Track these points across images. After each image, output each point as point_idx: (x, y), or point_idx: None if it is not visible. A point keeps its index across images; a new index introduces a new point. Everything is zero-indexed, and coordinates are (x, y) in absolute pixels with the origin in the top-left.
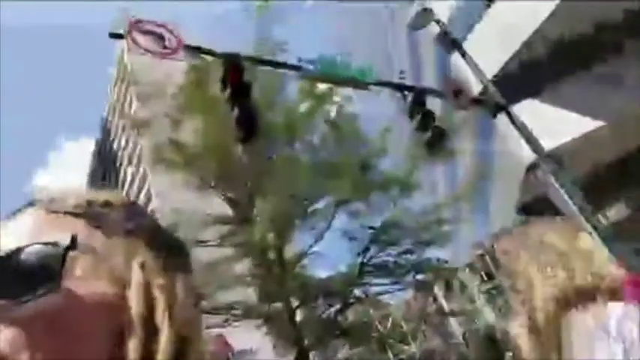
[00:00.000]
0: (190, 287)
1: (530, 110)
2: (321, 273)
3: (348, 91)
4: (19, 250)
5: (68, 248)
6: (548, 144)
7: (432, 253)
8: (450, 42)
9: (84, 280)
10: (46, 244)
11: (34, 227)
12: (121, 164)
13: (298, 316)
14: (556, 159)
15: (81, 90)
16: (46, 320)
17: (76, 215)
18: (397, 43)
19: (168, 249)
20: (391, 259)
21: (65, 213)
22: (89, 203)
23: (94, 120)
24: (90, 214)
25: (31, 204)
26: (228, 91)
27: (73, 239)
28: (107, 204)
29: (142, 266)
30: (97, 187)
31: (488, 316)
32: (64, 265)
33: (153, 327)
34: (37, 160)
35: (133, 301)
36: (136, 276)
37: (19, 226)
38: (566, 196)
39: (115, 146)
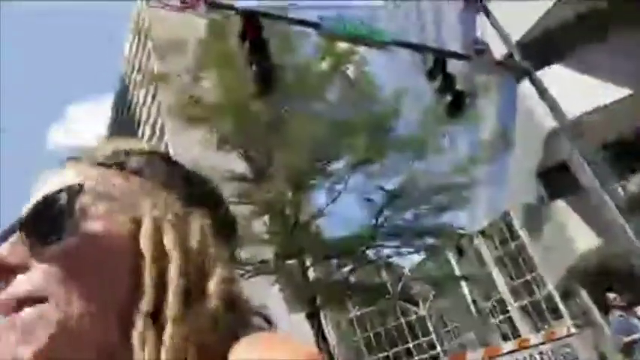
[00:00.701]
0: (209, 228)
1: (554, 77)
2: (336, 233)
3: (367, 50)
4: (44, 198)
5: (78, 192)
6: (571, 111)
7: (448, 217)
8: (476, 4)
9: (100, 222)
10: (63, 190)
11: (63, 176)
12: (139, 120)
13: (311, 274)
14: (578, 127)
15: (100, 45)
16: (67, 259)
17: (100, 164)
18: (422, 4)
19: (193, 192)
20: (405, 222)
21: (92, 162)
22: (116, 152)
23: (112, 75)
24: (114, 162)
25: (72, 158)
26: (246, 46)
27: (80, 184)
28: (130, 152)
29: (154, 205)
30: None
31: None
32: (74, 207)
33: (165, 261)
34: (54, 116)
35: (143, 236)
36: (147, 212)
37: (54, 177)
38: (585, 166)
39: (132, 102)
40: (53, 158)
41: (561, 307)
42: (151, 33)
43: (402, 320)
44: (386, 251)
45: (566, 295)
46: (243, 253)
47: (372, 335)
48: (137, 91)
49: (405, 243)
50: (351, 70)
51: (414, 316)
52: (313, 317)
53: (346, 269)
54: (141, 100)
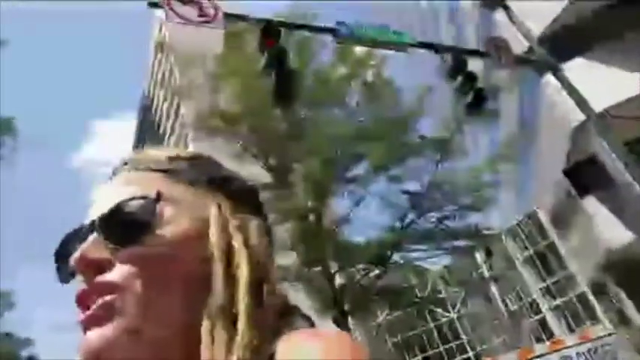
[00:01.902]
0: (262, 230)
1: (579, 69)
2: (360, 238)
3: (386, 53)
4: (119, 204)
5: (156, 200)
6: (597, 105)
7: (474, 218)
8: (495, 0)
9: (170, 224)
10: (138, 198)
11: (127, 184)
12: (163, 134)
13: (337, 281)
14: (606, 120)
15: (123, 63)
16: (145, 260)
17: (156, 171)
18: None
19: (241, 194)
20: (431, 224)
21: (148, 169)
22: (169, 159)
23: (136, 93)
24: (168, 168)
25: (123, 164)
26: (265, 56)
27: (159, 193)
28: (180, 158)
29: (219, 207)
30: None
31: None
32: (154, 214)
33: (232, 263)
34: (83, 134)
35: (213, 236)
36: (214, 215)
37: (116, 185)
38: (616, 160)
39: (157, 117)
40: (79, 174)
41: (595, 305)
42: (171, 47)
43: (432, 324)
44: (412, 255)
45: (600, 293)
46: None
47: (401, 340)
48: (161, 104)
49: (431, 246)
50: (370, 74)
51: (443, 320)
52: (340, 323)
53: (372, 274)
54: (165, 114)
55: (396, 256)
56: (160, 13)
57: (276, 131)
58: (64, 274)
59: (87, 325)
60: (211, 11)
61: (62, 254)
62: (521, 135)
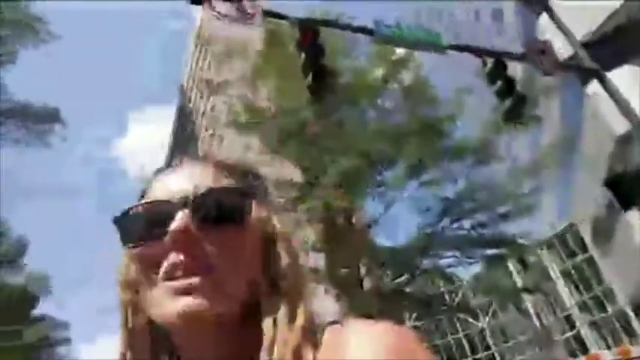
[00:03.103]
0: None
1: (626, 77)
2: (391, 242)
3: (425, 55)
4: (217, 190)
5: (250, 195)
6: None
7: (510, 226)
8: (538, 3)
9: (252, 218)
10: (235, 189)
11: (210, 174)
12: (199, 128)
13: (366, 284)
14: None
15: (161, 57)
16: (233, 240)
17: (227, 170)
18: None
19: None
20: (463, 231)
21: (218, 167)
22: (238, 163)
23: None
24: (238, 171)
25: (189, 158)
26: (303, 54)
27: (254, 187)
28: (247, 168)
29: (276, 211)
30: (180, 152)
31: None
32: (247, 207)
33: (292, 254)
34: (119, 127)
35: (280, 238)
36: (274, 217)
37: (195, 172)
38: None
39: (193, 110)
40: (116, 167)
41: (635, 323)
42: (210, 43)
43: (461, 333)
44: (443, 261)
45: None
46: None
47: (429, 348)
48: (198, 100)
49: (463, 253)
50: (407, 75)
51: (473, 329)
52: None
53: (402, 279)
54: (201, 109)
55: (426, 262)
56: (200, 9)
57: (310, 130)
58: (132, 237)
59: (185, 291)
60: (251, 9)
61: (136, 221)
62: (563, 143)
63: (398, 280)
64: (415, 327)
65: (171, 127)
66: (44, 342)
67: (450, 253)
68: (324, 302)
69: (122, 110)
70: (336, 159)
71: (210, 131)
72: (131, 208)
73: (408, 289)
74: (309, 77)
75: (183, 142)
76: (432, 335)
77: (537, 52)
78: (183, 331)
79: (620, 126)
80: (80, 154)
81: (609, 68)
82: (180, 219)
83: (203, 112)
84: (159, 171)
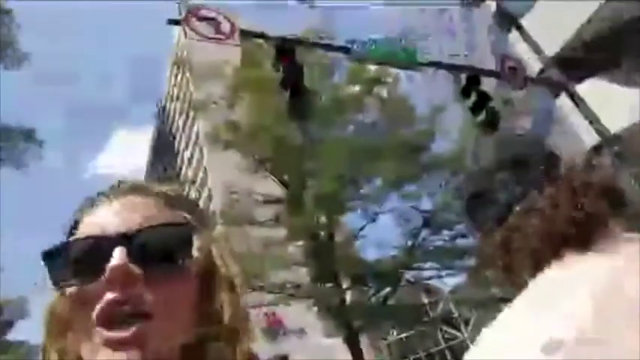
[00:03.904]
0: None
1: (594, 90)
2: (372, 255)
3: (400, 72)
4: (157, 226)
5: (193, 229)
6: (612, 126)
7: None
8: (508, 19)
9: (196, 254)
10: (177, 224)
11: (152, 207)
12: (179, 148)
13: (348, 298)
14: (621, 142)
15: (140, 76)
16: (175, 284)
17: (163, 200)
18: (453, 22)
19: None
20: (443, 242)
21: (154, 196)
22: (168, 191)
23: (152, 107)
24: (172, 199)
25: (125, 188)
26: (280, 73)
27: (193, 224)
28: (174, 192)
29: (213, 240)
30: (157, 172)
31: None
32: (190, 243)
33: (231, 283)
34: (97, 146)
35: (220, 267)
36: (215, 246)
37: (133, 204)
38: (632, 181)
39: (173, 130)
40: (92, 186)
41: None
42: (189, 61)
43: (443, 344)
44: (425, 273)
45: None
46: (281, 276)
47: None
48: (177, 117)
49: (444, 264)
50: (384, 92)
51: (455, 340)
52: (351, 341)
53: (384, 292)
54: (180, 127)
55: (407, 275)
56: (178, 29)
57: (290, 147)
58: (63, 275)
59: (120, 343)
60: (228, 28)
61: (68, 257)
62: None
63: (380, 293)
64: (399, 339)
65: (150, 146)
66: None
67: (431, 265)
68: (305, 317)
69: (99, 130)
70: (313, 181)
71: (190, 150)
72: (63, 244)
73: (389, 302)
74: (287, 95)
75: (162, 162)
76: (415, 347)
77: (508, 68)
78: None
79: (590, 138)
80: (55, 177)
81: (578, 82)
82: (117, 256)
83: (182, 132)
84: (93, 200)
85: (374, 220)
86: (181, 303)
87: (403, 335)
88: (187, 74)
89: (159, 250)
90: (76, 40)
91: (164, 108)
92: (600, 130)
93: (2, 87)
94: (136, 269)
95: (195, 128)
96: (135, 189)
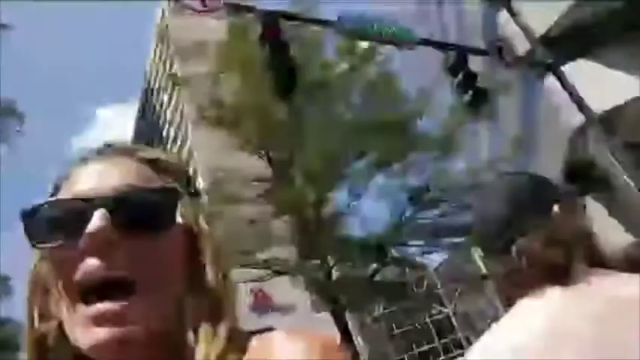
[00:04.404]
0: None
1: (580, 71)
2: (359, 232)
3: (389, 49)
4: (141, 190)
5: (178, 195)
6: (598, 107)
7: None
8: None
9: (179, 220)
10: (162, 189)
11: (132, 171)
12: (163, 124)
13: (335, 274)
14: (606, 123)
15: (123, 51)
16: (158, 249)
17: (150, 164)
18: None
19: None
20: (429, 220)
21: (142, 161)
22: (158, 156)
23: (137, 81)
24: (160, 166)
25: (114, 148)
26: (266, 48)
27: (179, 190)
28: (164, 161)
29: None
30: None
31: None
32: (176, 209)
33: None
34: (81, 122)
35: (204, 238)
36: (199, 217)
37: (118, 168)
38: (615, 162)
39: (157, 106)
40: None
41: None
42: (173, 37)
43: (428, 319)
44: (410, 250)
45: None
46: (266, 254)
47: (398, 334)
48: (161, 95)
49: (429, 242)
50: (373, 70)
51: (440, 315)
52: (338, 316)
53: (370, 268)
54: (165, 104)
55: (393, 251)
56: (162, 4)
57: (276, 124)
58: (42, 236)
59: (105, 318)
60: (214, 1)
61: (47, 218)
62: (522, 137)
63: (366, 270)
64: (385, 314)
65: (134, 123)
66: (7, 345)
67: (416, 242)
68: (293, 293)
69: (83, 106)
70: (304, 152)
71: (175, 127)
72: (42, 204)
73: (375, 278)
74: (274, 71)
75: (147, 138)
76: (401, 322)
77: (497, 48)
78: (105, 358)
79: (576, 118)
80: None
81: (565, 62)
82: (96, 220)
83: (167, 108)
84: (81, 160)
85: (360, 197)
86: (166, 271)
87: (389, 310)
88: (172, 49)
89: (142, 215)
90: (59, 16)
91: (148, 84)
92: (586, 110)
93: None
94: (115, 234)
95: (180, 106)
96: (122, 151)
